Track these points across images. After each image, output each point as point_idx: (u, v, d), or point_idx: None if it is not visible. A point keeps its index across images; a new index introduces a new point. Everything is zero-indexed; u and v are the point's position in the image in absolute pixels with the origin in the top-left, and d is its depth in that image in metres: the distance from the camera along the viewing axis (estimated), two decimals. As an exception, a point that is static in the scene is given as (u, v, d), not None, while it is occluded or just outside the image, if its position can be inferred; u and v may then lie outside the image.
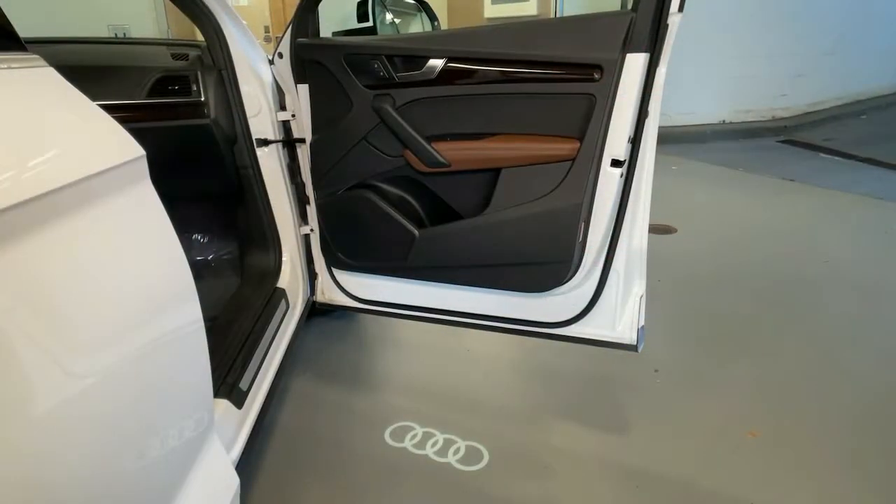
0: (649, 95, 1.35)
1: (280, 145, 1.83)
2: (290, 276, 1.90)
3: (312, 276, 2.04)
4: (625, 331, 1.62)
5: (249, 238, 1.91)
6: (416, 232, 1.64)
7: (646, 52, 1.31)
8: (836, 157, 4.99)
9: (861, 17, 6.30)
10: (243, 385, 1.41)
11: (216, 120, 1.65)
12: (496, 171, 1.51)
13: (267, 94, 1.76)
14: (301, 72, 1.66)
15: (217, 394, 1.32)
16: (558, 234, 1.47)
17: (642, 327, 1.62)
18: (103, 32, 3.85)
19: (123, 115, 1.61)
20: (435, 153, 1.52)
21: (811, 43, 6.06)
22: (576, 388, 2.00)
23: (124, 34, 3.80)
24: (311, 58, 1.60)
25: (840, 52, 6.27)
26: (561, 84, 1.37)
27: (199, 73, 1.62)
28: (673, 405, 1.89)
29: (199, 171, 1.77)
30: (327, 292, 2.02)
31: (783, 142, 5.64)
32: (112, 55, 1.69)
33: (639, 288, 1.61)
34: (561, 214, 1.45)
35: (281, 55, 1.70)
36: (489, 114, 1.47)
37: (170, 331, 0.86)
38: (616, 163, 1.42)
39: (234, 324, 1.57)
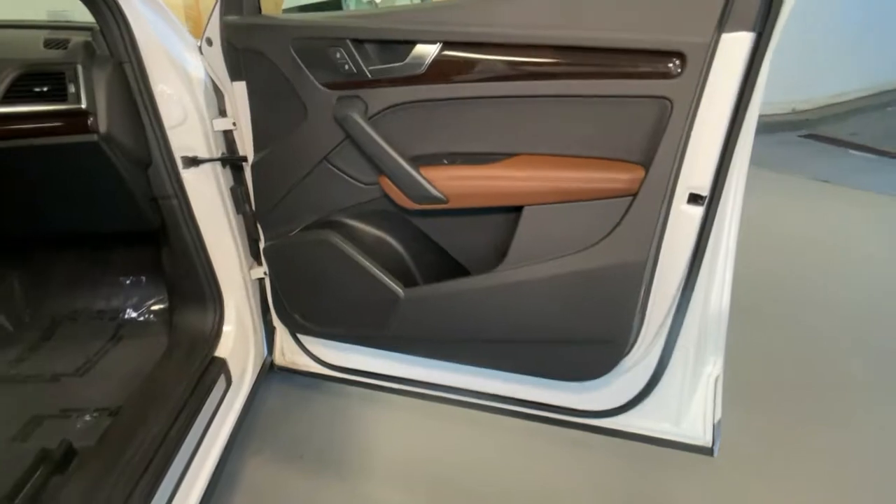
0: (751, 95, 0.89)
1: (218, 164, 1.35)
2: (236, 339, 1.43)
3: (270, 330, 1.57)
4: (693, 426, 1.16)
5: (178, 290, 1.44)
6: (400, 291, 1.17)
7: (752, 31, 0.84)
8: (868, 154, 4.54)
9: (886, 2, 5.84)
10: None
11: (110, 135, 1.16)
12: (516, 210, 1.04)
13: (196, 96, 1.28)
14: (236, 65, 1.19)
15: None
16: (610, 303, 1.01)
17: (719, 422, 1.16)
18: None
19: None
20: (425, 183, 1.05)
21: (833, 29, 5.60)
22: (611, 470, 1.53)
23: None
24: (247, 45, 1.12)
25: (864, 39, 5.82)
26: (619, 82, 0.90)
27: (78, 69, 1.13)
28: (740, 497, 1.43)
29: (94, 205, 1.29)
30: (289, 354, 1.55)
31: (806, 136, 5.19)
32: None
33: (714, 367, 1.15)
34: (615, 275, 0.99)
35: (210, 42, 1.22)
36: (506, 126, 1.00)
37: None
38: (695, 198, 0.95)
39: (140, 427, 1.10)
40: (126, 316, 1.62)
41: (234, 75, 1.21)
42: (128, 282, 1.67)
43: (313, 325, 1.31)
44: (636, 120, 0.92)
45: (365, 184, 1.16)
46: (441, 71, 1.00)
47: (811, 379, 1.93)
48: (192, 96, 1.27)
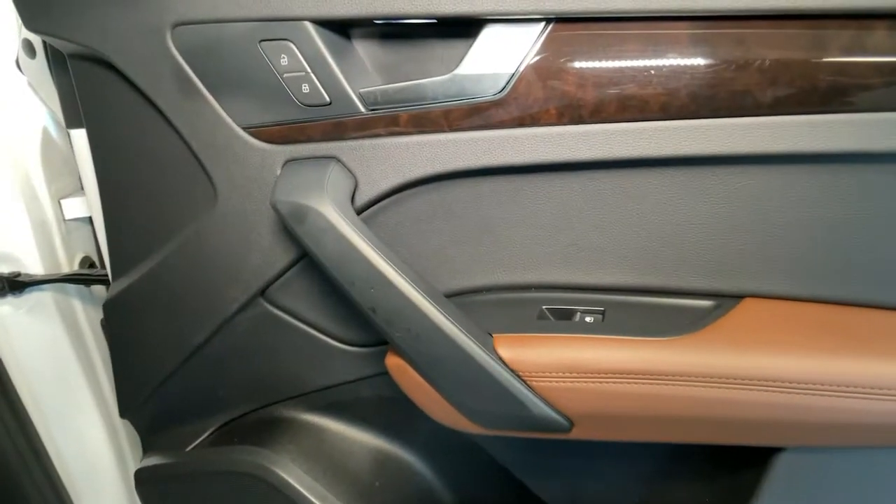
0: None
1: (70, 286, 0.73)
2: None
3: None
4: None
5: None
6: None
7: None
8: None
9: None
10: None
11: None
12: (751, 455, 0.41)
13: (21, 156, 0.69)
14: (69, 94, 0.57)
15: None
16: None
17: None
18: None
19: None
20: (514, 385, 0.40)
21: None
22: None
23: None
24: (75, 44, 0.49)
25: None
26: None
27: None
28: None
29: None
30: None
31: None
32: None
33: None
34: None
35: (32, 49, 0.62)
36: (732, 225, 0.38)
37: None
38: None
39: None
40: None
41: (69, 116, 0.58)
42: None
43: None
44: None
45: (349, 344, 0.53)
46: (547, 92, 0.39)
47: None
48: (8, 158, 0.66)
